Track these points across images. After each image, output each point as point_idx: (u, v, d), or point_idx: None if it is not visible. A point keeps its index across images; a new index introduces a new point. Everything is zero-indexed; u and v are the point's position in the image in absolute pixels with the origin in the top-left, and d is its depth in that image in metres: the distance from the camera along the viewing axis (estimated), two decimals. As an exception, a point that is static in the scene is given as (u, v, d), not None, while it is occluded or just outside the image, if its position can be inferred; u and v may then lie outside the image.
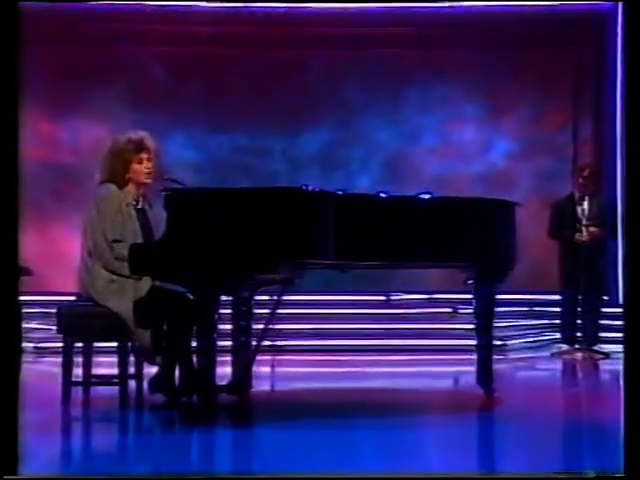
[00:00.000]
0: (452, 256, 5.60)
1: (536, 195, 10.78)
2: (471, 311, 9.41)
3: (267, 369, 8.32)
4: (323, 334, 9.72)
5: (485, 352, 5.99)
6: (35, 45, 11.05)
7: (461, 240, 5.58)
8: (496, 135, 11.83)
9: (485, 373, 5.94)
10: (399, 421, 5.23)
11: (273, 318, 6.03)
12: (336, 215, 4.99)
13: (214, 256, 4.89)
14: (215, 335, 5.19)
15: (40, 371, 7.64)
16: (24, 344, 8.55)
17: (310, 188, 5.06)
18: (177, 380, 5.46)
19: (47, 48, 11.16)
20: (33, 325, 8.89)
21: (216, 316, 5.25)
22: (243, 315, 5.66)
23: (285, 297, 9.51)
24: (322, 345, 9.48)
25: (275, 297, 8.37)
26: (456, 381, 7.82)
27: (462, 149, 11.78)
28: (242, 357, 5.72)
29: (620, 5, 11.03)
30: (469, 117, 11.82)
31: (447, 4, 11.14)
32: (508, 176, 11.52)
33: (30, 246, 10.19)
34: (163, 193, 5.10)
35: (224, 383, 5.58)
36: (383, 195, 5.32)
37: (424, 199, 5.48)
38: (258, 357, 6.08)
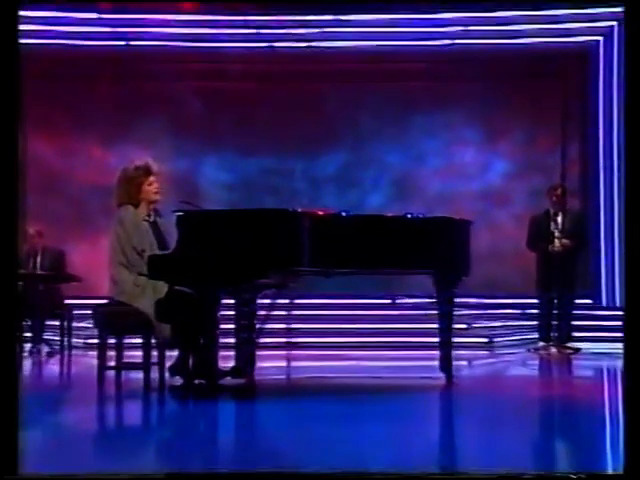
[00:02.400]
0: (414, 264, 6.27)
1: (529, 210, 10.97)
2: (461, 313, 10.21)
3: (283, 363, 9.09)
4: (337, 332, 10.38)
5: (446, 347, 6.63)
6: (88, 83, 11.97)
7: (423, 251, 6.24)
8: (493, 157, 12.34)
9: (446, 364, 6.60)
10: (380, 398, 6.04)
11: (269, 317, 6.68)
12: (310, 231, 5.63)
13: (216, 265, 5.62)
14: (217, 331, 5.90)
15: (86, 362, 8.38)
16: (75, 340, 9.41)
17: (299, 210, 5.77)
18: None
19: (98, 85, 11.96)
20: (83, 324, 9.40)
21: (219, 315, 6.00)
22: (245, 315, 6.42)
23: (306, 300, 10.35)
24: (336, 342, 10.13)
25: (291, 301, 9.27)
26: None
27: (463, 170, 12.28)
28: (244, 350, 6.47)
29: (601, 42, 11.64)
30: (469, 141, 12.32)
31: (449, 42, 11.71)
32: (504, 193, 12.11)
33: (83, 257, 11.05)
34: (175, 214, 5.83)
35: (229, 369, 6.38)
36: (344, 214, 5.93)
37: (386, 217, 6.17)
38: (280, 352, 6.81)
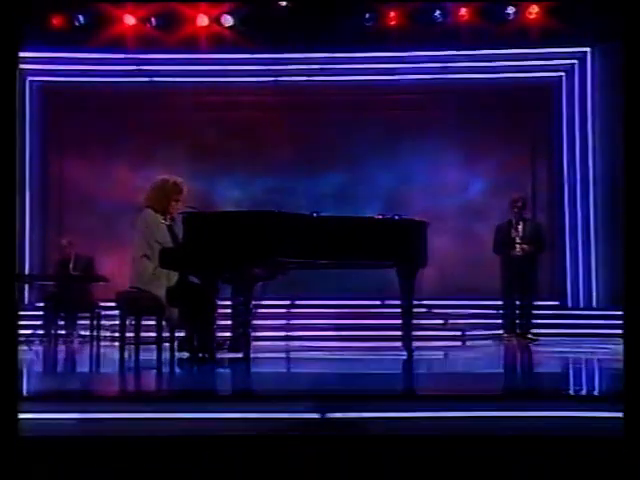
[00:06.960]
0: (378, 257, 7.06)
1: (504, 223, 11.96)
2: (438, 311, 11.02)
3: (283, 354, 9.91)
4: (334, 327, 11.01)
5: (407, 326, 7.50)
6: (116, 114, 12.80)
7: (385, 246, 7.04)
8: (472, 177, 12.99)
9: (406, 335, 7.47)
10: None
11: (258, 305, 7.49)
12: (291, 228, 6.50)
13: (214, 256, 6.45)
14: (215, 314, 6.65)
15: (111, 348, 9.24)
16: (102, 332, 10.17)
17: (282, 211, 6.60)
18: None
19: (126, 116, 12.80)
20: (110, 321, 9.79)
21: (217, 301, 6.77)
22: (241, 313, 7.25)
23: (306, 302, 11.07)
24: (333, 335, 10.76)
25: (292, 301, 10.02)
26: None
27: (446, 188, 12.92)
28: (240, 336, 7.28)
29: (564, 77, 12.52)
30: (451, 163, 12.95)
31: (431, 76, 12.48)
32: (482, 209, 12.70)
33: (111, 265, 11.73)
34: (181, 215, 6.74)
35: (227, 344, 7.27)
36: (315, 215, 6.75)
37: (350, 218, 7.03)
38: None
